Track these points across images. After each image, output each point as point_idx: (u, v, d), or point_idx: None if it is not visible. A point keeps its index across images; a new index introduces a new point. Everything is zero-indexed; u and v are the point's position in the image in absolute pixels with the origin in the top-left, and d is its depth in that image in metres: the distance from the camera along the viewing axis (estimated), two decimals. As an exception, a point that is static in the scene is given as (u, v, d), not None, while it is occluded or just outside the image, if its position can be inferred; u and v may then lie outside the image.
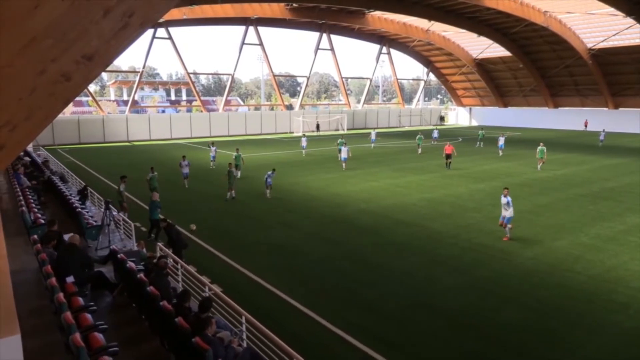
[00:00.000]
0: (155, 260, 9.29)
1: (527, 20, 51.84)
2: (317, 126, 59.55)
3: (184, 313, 7.00)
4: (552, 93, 66.40)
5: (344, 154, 29.49)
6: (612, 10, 45.93)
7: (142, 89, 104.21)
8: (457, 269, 12.63)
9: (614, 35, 53.38)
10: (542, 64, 63.44)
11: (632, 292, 10.98)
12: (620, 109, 60.37)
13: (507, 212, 14.87)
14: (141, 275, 8.32)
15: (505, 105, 73.48)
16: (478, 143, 42.09)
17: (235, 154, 26.30)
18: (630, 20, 47.33)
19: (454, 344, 8.87)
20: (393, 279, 12.01)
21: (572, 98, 65.36)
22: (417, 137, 38.40)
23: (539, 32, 55.83)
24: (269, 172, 21.51)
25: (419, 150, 37.28)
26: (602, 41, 55.14)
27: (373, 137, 41.81)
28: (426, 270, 12.57)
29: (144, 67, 57.56)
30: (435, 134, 47.51)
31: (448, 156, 29.13)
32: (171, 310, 6.95)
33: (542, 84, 65.44)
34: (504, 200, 15.02)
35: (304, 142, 36.41)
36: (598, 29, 54.17)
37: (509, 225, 15.02)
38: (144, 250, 11.79)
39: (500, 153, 35.31)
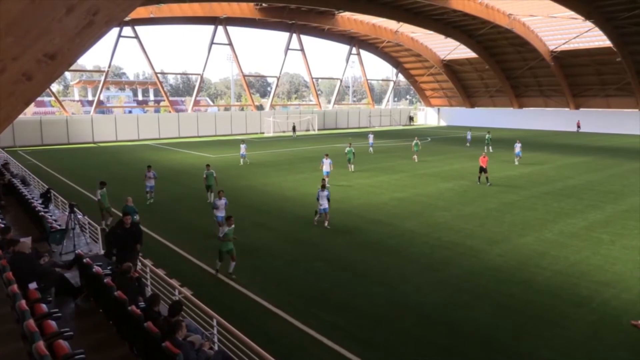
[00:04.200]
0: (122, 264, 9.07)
1: (492, 22, 53.12)
2: (294, 128, 57.45)
3: (153, 317, 6.87)
4: (517, 94, 68.24)
5: (326, 167, 24.19)
6: (572, 13, 47.53)
7: (108, 89, 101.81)
8: (429, 267, 12.82)
9: (574, 38, 55.28)
10: (507, 65, 65.11)
11: (594, 286, 11.38)
12: (581, 109, 62.56)
13: None
14: (108, 279, 8.12)
15: (472, 105, 75.08)
16: (486, 148, 37.91)
17: (206, 171, 20.86)
18: (589, 24, 49.11)
19: (426, 340, 9.00)
20: (366, 278, 12.09)
21: (536, 99, 67.36)
22: (413, 143, 33.80)
23: (504, 34, 57.29)
24: (320, 191, 16.56)
25: (415, 158, 32.63)
26: (564, 44, 57.05)
27: (371, 140, 39.16)
28: (399, 268, 12.70)
29: (109, 66, 56.13)
30: (469, 136, 44.35)
31: (483, 169, 24.18)
32: (140, 314, 6.80)
33: (507, 84, 67.16)
34: None
35: (242, 150, 31.91)
36: (560, 31, 55.99)
37: None
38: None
39: (517, 162, 31.27)
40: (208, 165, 21.43)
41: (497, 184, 24.41)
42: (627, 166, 30.41)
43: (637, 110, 57.59)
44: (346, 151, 28.99)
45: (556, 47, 57.95)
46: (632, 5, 44.62)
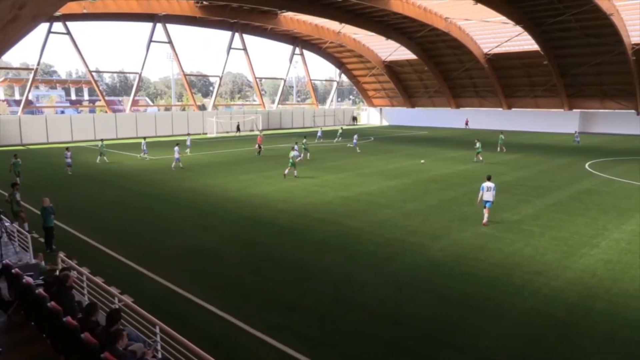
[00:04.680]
0: (57, 273, 8.61)
1: (430, 25, 54.96)
2: (238, 127, 58.78)
3: (91, 327, 6.56)
4: (454, 94, 71.03)
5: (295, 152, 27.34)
6: (504, 18, 50.10)
7: (37, 87, 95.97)
8: (373, 264, 13.07)
9: (506, 41, 58.27)
10: (444, 67, 67.60)
11: (527, 275, 12.07)
12: (513, 109, 66.11)
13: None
14: (40, 290, 7.66)
15: (413, 105, 77.34)
16: (499, 148, 38.83)
17: (13, 160, 24.26)
18: (519, 29, 51.98)
19: (372, 336, 9.17)
20: (312, 277, 12.15)
21: (472, 99, 70.42)
22: (477, 145, 33.15)
23: (441, 37, 59.45)
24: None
25: (480, 158, 32.41)
26: (496, 47, 60.01)
27: (355, 140, 40.06)
28: (344, 267, 12.86)
29: (38, 63, 52.91)
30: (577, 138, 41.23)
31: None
32: (76, 325, 6.47)
33: (445, 85, 69.73)
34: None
35: (176, 153, 29.67)
36: (492, 35, 58.81)
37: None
38: (43, 262, 10.89)
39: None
40: (16, 155, 24.80)
41: (436, 181, 25.30)
42: (554, 162, 32.48)
43: (562, 110, 61.68)
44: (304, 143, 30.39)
45: (489, 50, 60.87)
46: (557, 12, 47.74)
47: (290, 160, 26.50)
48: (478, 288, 11.37)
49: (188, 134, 42.76)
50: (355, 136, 41.24)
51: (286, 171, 26.35)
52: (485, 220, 16.75)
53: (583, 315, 9.95)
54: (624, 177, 26.20)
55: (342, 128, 52.53)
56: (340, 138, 46.78)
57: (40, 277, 9.24)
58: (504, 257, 13.52)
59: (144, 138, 38.89)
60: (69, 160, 27.88)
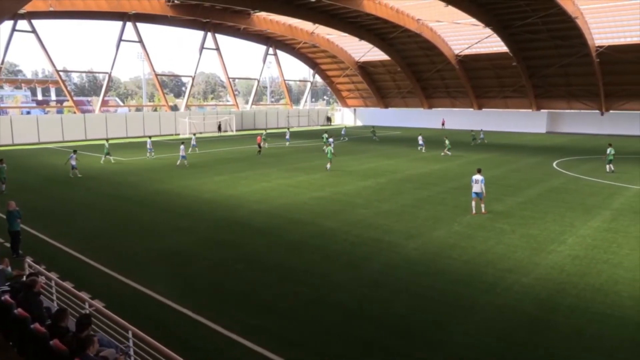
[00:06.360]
0: (24, 279, 8.33)
1: (402, 26, 55.61)
2: (219, 126, 59.17)
3: (61, 334, 6.37)
4: (427, 95, 72.02)
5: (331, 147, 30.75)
6: (474, 20, 51.11)
7: (2, 87, 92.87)
8: (350, 263, 13.11)
9: (476, 43, 59.45)
10: (417, 67, 68.46)
11: (499, 273, 12.31)
12: (484, 109, 67.45)
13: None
14: (6, 297, 7.39)
15: (386, 106, 78.06)
16: (480, 139, 47.41)
17: None
18: (489, 30, 53.12)
19: (349, 336, 9.19)
20: (289, 278, 12.11)
21: (444, 99, 71.55)
22: (447, 142, 37.12)
23: (414, 38, 60.20)
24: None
25: (448, 153, 36.47)
26: (467, 48, 61.14)
27: (420, 141, 39.93)
28: (321, 267, 12.86)
29: (2, 62, 51.15)
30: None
31: None
32: (45, 332, 6.28)
33: (417, 86, 70.63)
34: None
35: (182, 151, 31.30)
36: (463, 37, 59.93)
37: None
38: (9, 268, 10.51)
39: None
40: (1, 160, 23.30)
41: (411, 180, 25.59)
42: (524, 162, 33.28)
43: (531, 110, 63.28)
44: (326, 150, 30.91)
45: (460, 52, 61.99)
46: (525, 14, 48.97)
47: (329, 155, 29.23)
48: (452, 285, 11.53)
49: (194, 134, 44.48)
50: (420, 137, 40.73)
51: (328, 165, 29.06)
52: (474, 211, 18.15)
53: (553, 310, 10.20)
54: (590, 175, 27.05)
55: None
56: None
57: (6, 284, 8.93)
58: (477, 254, 13.76)
59: (150, 137, 38.77)
60: (74, 162, 27.12)
